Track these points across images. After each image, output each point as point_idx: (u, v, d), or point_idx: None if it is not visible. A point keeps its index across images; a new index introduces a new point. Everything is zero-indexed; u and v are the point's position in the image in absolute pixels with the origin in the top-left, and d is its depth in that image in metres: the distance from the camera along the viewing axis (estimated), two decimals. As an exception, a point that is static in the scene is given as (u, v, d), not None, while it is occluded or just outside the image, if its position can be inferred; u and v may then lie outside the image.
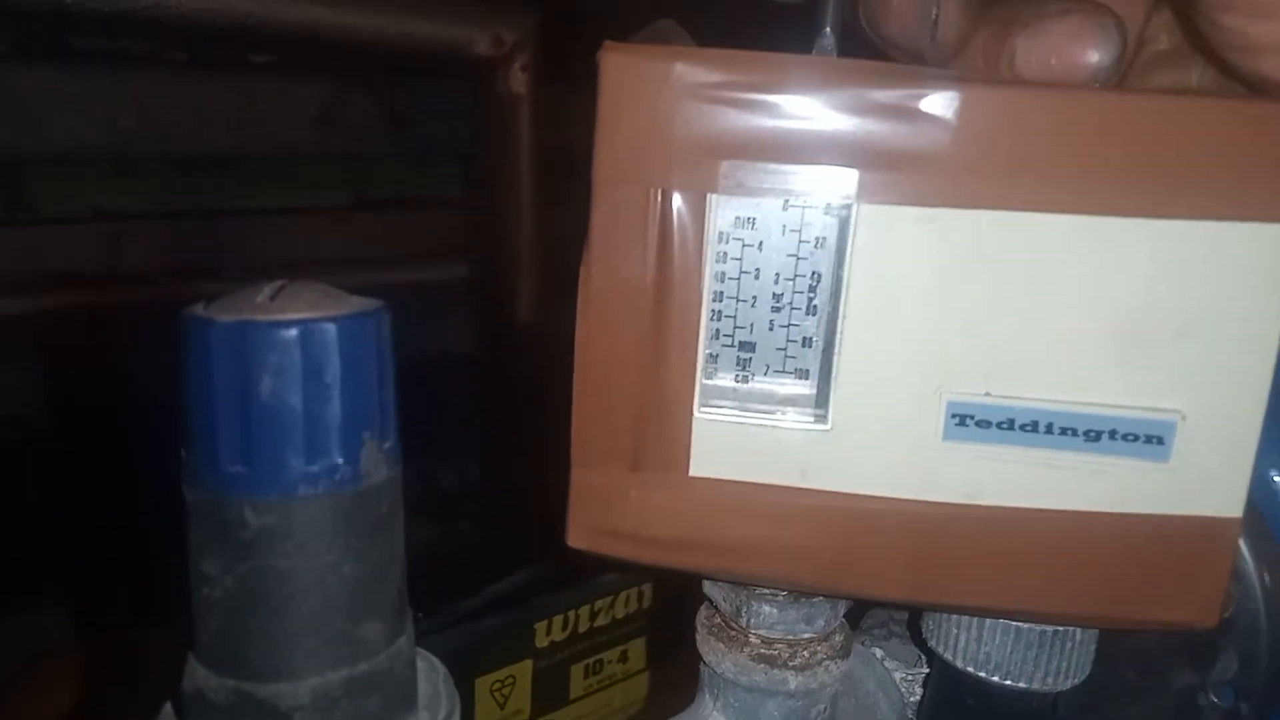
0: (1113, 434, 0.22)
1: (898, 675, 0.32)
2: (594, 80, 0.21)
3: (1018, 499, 0.22)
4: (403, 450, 0.20)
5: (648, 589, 0.60)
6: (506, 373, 1.08)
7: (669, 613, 0.61)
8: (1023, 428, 0.22)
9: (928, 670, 0.32)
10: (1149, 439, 0.22)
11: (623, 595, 0.59)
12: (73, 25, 0.95)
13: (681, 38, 0.23)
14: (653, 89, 0.21)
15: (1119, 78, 0.22)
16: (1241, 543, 0.35)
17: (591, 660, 0.59)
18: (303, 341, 0.17)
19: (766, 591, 0.27)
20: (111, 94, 1.06)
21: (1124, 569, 0.23)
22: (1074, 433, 0.22)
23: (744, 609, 0.27)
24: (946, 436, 0.22)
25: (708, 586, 0.28)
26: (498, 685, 0.54)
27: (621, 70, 0.21)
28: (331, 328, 0.17)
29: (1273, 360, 0.21)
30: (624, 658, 0.61)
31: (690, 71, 0.21)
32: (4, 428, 0.92)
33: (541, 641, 0.55)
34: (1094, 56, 0.21)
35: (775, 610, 0.27)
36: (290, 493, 0.17)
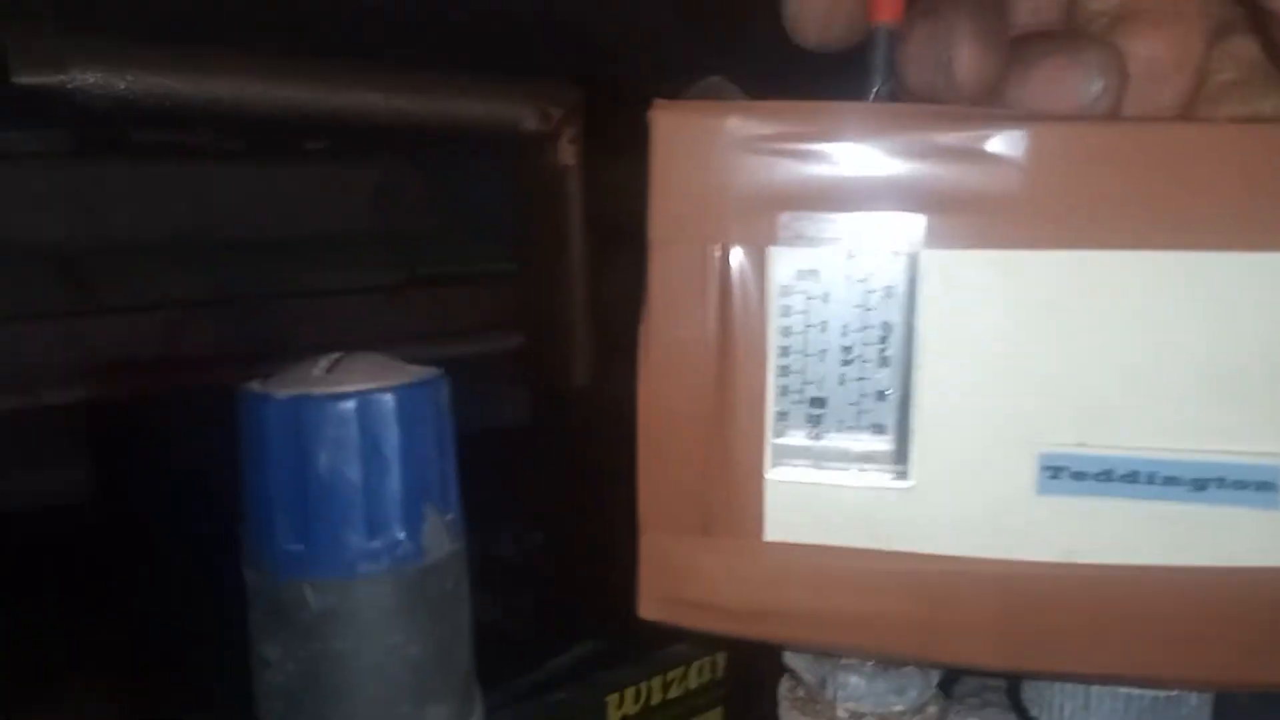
0: (1220, 481, 0.20)
1: (994, 748, 0.30)
2: (643, 144, 0.21)
3: (1120, 556, 0.21)
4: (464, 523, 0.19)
5: (722, 658, 0.58)
6: (564, 441, 1.08)
7: (745, 681, 0.59)
8: (1122, 479, 0.21)
9: (1026, 741, 0.30)
10: (1260, 485, 0.20)
11: (695, 665, 0.58)
12: (133, 120, 0.98)
13: (732, 93, 0.23)
14: (705, 144, 0.20)
15: (1115, 105, 0.21)
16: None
17: (668, 733, 0.58)
18: (360, 414, 0.17)
19: (852, 661, 0.25)
20: (171, 184, 1.09)
21: (1239, 628, 0.21)
22: (1177, 482, 0.20)
23: (829, 681, 0.25)
24: (1040, 491, 0.21)
25: (789, 657, 0.27)
26: (569, 766, 0.52)
27: (672, 128, 0.21)
28: (389, 398, 0.17)
29: None
30: (701, 730, 0.59)
31: (742, 125, 0.20)
32: (65, 517, 0.93)
33: (614, 716, 0.54)
34: (1076, 98, 0.21)
35: (863, 681, 0.25)
36: (351, 571, 0.17)
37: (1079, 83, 0.21)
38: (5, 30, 0.81)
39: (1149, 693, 0.24)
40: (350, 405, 0.16)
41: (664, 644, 0.58)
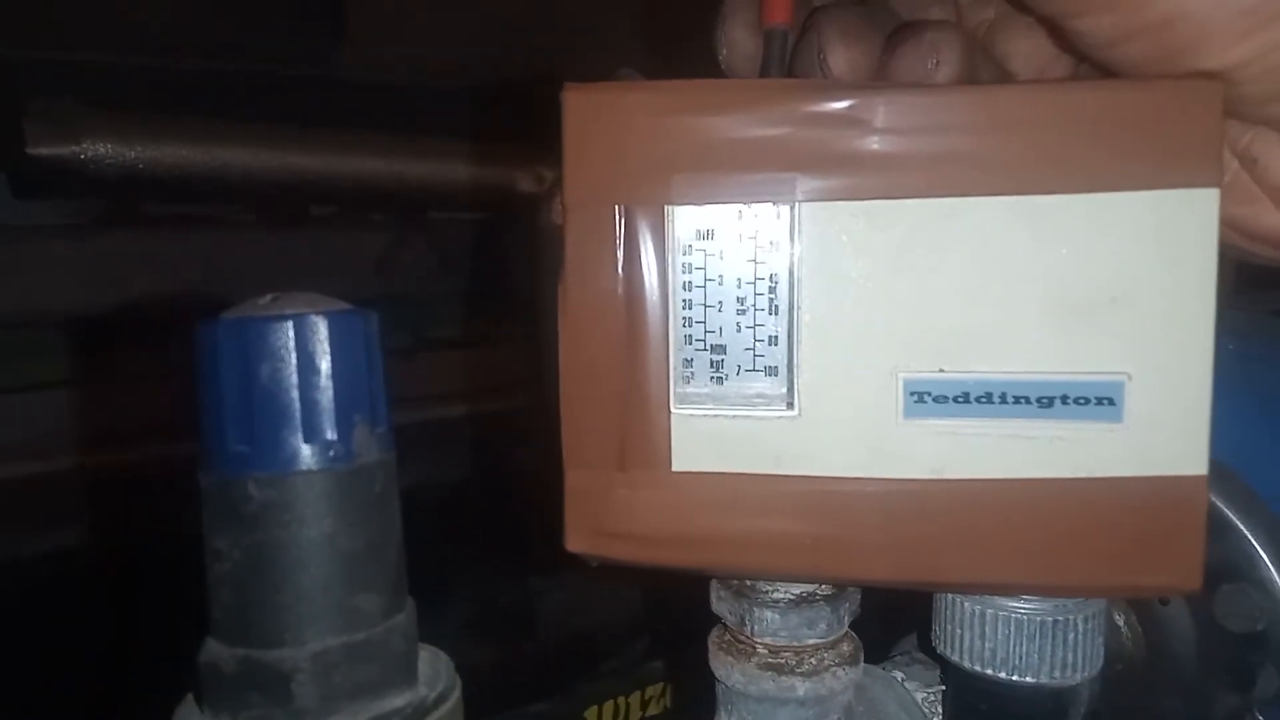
0: (1064, 399, 0.23)
1: (920, 696, 0.32)
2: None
3: (983, 471, 0.23)
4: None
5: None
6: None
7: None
8: (978, 400, 0.23)
9: (947, 688, 0.31)
10: (1100, 400, 0.23)
11: (677, 684, 0.59)
12: (145, 191, 1.03)
13: (639, 79, 0.26)
14: (609, 117, 0.24)
15: (959, 75, 0.24)
16: (1266, 556, 0.35)
17: (649, 754, 0.59)
18: (296, 332, 0.19)
19: (767, 597, 0.28)
20: (184, 254, 1.13)
21: (1097, 535, 0.23)
22: (1027, 400, 0.23)
23: (747, 618, 0.28)
24: (907, 414, 0.23)
25: (714, 602, 0.29)
26: (550, 777, 0.53)
27: (581, 104, 0.24)
28: (321, 320, 0.20)
29: (1212, 318, 0.22)
30: (681, 752, 0.60)
31: (641, 100, 0.24)
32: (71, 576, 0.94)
33: (592, 731, 0.55)
34: (921, 72, 0.25)
35: (777, 616, 0.27)
36: (288, 468, 0.19)
37: (920, 59, 0.24)
38: (23, 105, 0.87)
39: (1038, 617, 0.26)
40: (288, 324, 0.19)
41: (647, 660, 0.59)
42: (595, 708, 0.55)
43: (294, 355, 0.19)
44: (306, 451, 0.20)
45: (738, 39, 0.27)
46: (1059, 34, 0.25)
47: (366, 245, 1.29)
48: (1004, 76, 0.28)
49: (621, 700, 0.56)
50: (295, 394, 0.19)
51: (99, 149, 0.91)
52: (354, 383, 0.20)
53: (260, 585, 0.20)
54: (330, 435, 0.20)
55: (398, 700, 0.20)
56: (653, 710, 0.58)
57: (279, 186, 1.05)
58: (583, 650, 0.67)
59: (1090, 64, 0.25)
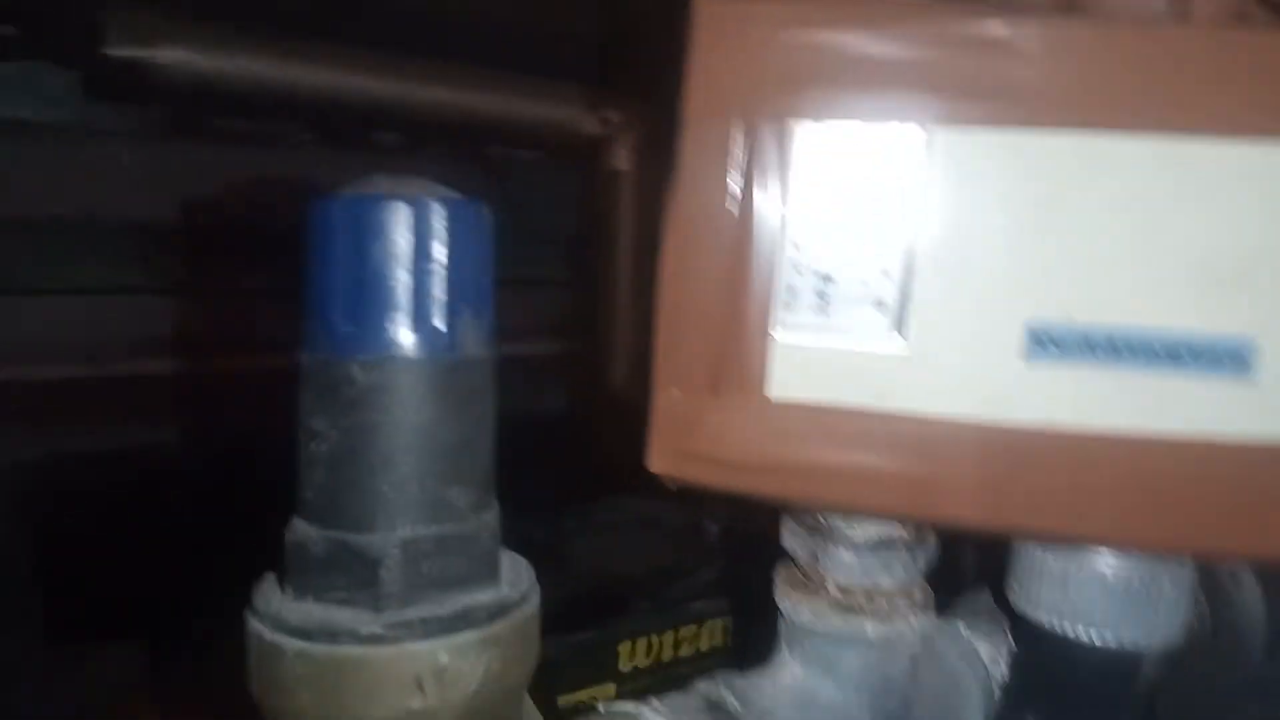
0: (1193, 353, 0.22)
1: (983, 651, 0.31)
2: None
3: (1099, 422, 0.22)
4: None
5: (731, 622, 0.60)
6: (600, 441, 1.10)
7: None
8: (1102, 349, 0.22)
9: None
10: (1231, 359, 0.22)
11: (708, 625, 0.59)
12: (212, 104, 1.03)
13: None
14: (741, 27, 0.23)
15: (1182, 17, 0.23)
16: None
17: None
18: (415, 215, 0.19)
19: (845, 537, 0.27)
20: (246, 169, 1.13)
21: (1211, 497, 0.22)
22: (1154, 353, 0.22)
23: (821, 556, 0.27)
24: (1026, 358, 0.23)
25: (785, 538, 0.29)
26: (580, 707, 0.54)
27: (714, 13, 0.23)
28: (440, 206, 0.19)
29: None
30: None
31: (777, 11, 0.23)
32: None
33: (625, 665, 0.55)
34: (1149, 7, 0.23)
35: (853, 556, 0.27)
36: (393, 353, 0.19)
37: None
38: (103, 7, 0.87)
39: (1124, 580, 0.25)
40: (406, 207, 0.19)
41: (683, 601, 0.59)
42: (629, 643, 0.55)
43: (410, 239, 0.19)
44: (413, 339, 0.19)
45: None
46: None
47: (425, 176, 1.28)
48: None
49: (654, 638, 0.57)
50: (408, 279, 0.19)
51: (173, 55, 0.90)
52: (465, 274, 0.20)
53: (355, 469, 0.19)
54: (438, 325, 0.19)
55: (482, 596, 0.20)
56: (684, 651, 0.58)
57: (345, 109, 1.05)
58: (616, 588, 0.67)
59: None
